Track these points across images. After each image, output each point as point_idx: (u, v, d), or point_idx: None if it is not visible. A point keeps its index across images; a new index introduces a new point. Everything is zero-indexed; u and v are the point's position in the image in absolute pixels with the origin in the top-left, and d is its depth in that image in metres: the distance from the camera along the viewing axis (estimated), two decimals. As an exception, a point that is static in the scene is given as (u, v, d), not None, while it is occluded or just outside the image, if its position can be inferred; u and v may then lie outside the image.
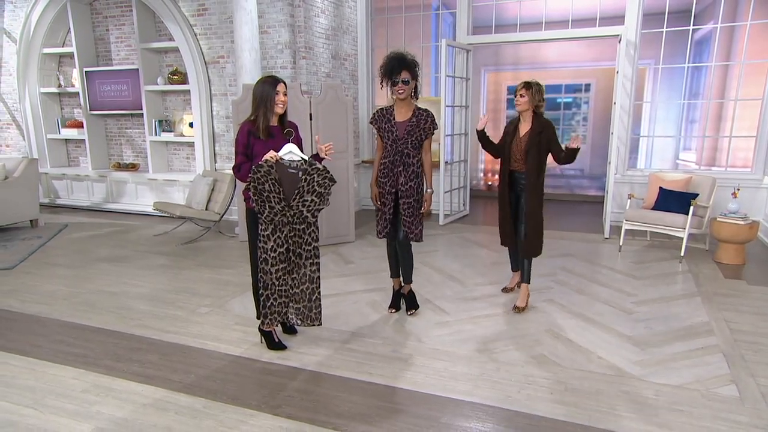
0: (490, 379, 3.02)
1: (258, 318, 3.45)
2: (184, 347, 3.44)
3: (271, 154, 3.06)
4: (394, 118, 3.75)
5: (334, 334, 3.62)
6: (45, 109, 8.46)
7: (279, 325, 3.41)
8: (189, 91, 7.40)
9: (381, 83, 3.79)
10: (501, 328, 3.70)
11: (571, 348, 3.40)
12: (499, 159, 4.19)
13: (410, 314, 3.96)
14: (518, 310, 4.01)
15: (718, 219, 5.17)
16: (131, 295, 4.43)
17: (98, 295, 4.43)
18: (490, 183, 10.31)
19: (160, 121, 7.70)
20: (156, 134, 7.69)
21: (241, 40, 6.10)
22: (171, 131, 7.69)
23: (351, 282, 4.71)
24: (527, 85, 3.91)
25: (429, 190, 3.83)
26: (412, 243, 3.88)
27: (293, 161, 3.11)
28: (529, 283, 4.11)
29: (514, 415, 2.66)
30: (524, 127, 3.99)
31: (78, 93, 8.17)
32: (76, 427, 2.56)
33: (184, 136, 7.62)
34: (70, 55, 8.15)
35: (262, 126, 3.18)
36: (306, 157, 3.14)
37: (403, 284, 4.04)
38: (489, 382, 2.97)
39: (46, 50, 8.20)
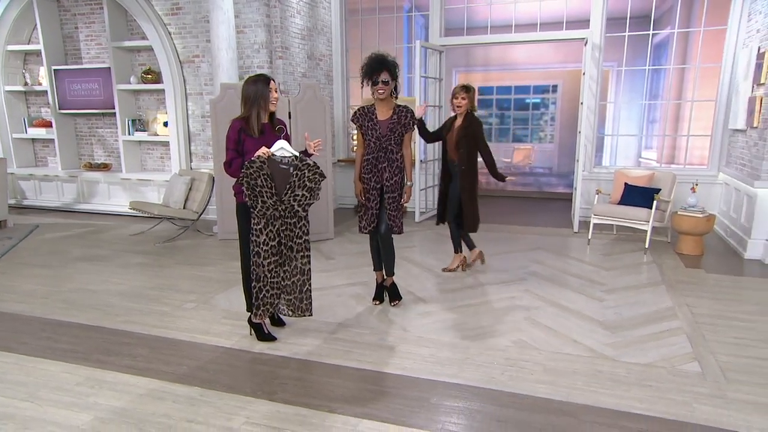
0: (474, 362, 3.18)
1: (248, 311, 3.52)
2: (174, 341, 3.49)
3: (263, 150, 3.15)
4: (376, 117, 3.88)
5: (321, 326, 3.72)
6: (10, 108, 8.25)
7: (267, 317, 3.50)
8: (163, 90, 7.36)
9: (362, 83, 3.92)
10: (481, 317, 3.88)
11: (548, 333, 3.59)
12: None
13: (394, 305, 4.09)
14: (466, 267, 4.97)
15: (678, 213, 5.49)
16: (113, 292, 4.43)
17: (79, 293, 4.41)
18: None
19: (134, 121, 7.63)
20: (129, 134, 7.61)
21: (218, 39, 6.14)
22: (144, 131, 7.63)
23: (334, 277, 4.81)
24: (467, 89, 4.51)
25: (408, 183, 3.97)
26: (393, 236, 4.02)
27: (284, 157, 3.21)
28: (476, 247, 5.06)
29: (499, 394, 2.83)
30: (458, 123, 4.58)
31: (46, 91, 8.01)
32: (75, 417, 2.59)
33: (158, 135, 7.57)
34: (37, 53, 7.99)
35: (256, 124, 3.27)
36: (297, 153, 3.24)
37: (385, 277, 4.17)
38: (473, 366, 3.14)
39: (11, 47, 8.01)
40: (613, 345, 3.40)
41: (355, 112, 3.96)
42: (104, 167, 7.96)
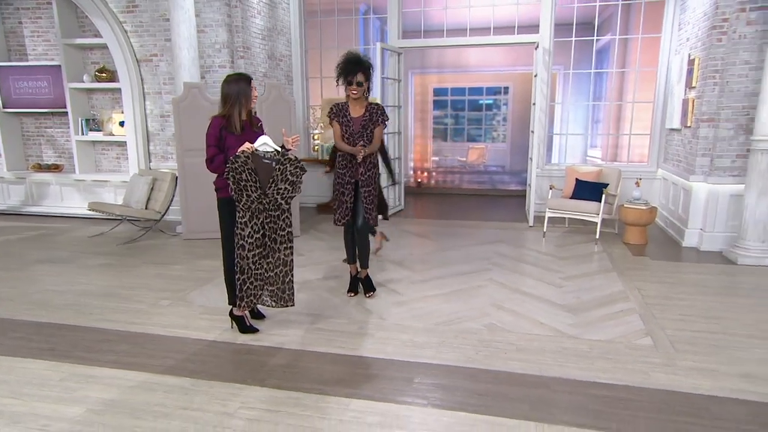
0: (451, 345, 3.38)
1: (230, 304, 3.59)
2: (155, 336, 3.51)
3: (247, 146, 3.24)
4: (349, 114, 4.03)
5: (300, 317, 3.83)
6: (-53, 107, 7.82)
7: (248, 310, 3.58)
8: (119, 89, 7.20)
9: (337, 82, 4.06)
10: (453, 305, 4.09)
11: (516, 317, 3.85)
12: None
13: (368, 296, 4.24)
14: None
15: (624, 205, 5.92)
16: (81, 292, 4.35)
17: (45, 294, 4.32)
18: (420, 180, 10.83)
19: (87, 120, 7.42)
20: (83, 134, 7.39)
21: (179, 38, 6.10)
22: (99, 130, 7.43)
23: (306, 272, 4.91)
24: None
25: (363, 150, 3.89)
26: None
27: (267, 152, 3.31)
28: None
29: (477, 371, 3.04)
30: None
31: (-13, 89, 7.65)
32: (66, 410, 2.60)
33: (113, 135, 7.39)
34: (-25, 49, 7.62)
35: (239, 121, 3.35)
36: (279, 149, 3.35)
37: (360, 269, 4.32)
38: (450, 348, 3.34)
39: (-52, 42, 7.61)
40: (575, 325, 3.69)
41: (331, 108, 4.09)
42: (55, 168, 7.69)
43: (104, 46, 7.17)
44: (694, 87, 5.89)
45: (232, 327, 3.59)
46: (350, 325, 3.70)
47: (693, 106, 5.85)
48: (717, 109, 5.51)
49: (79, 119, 7.39)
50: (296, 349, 3.33)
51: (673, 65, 6.78)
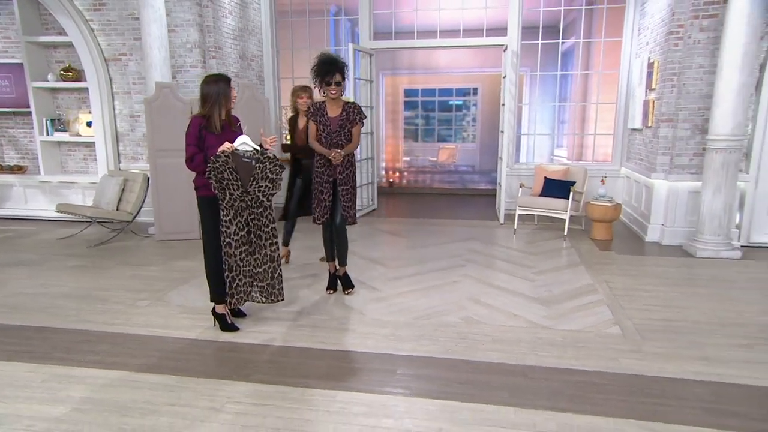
0: (431, 338, 3.48)
1: (212, 301, 3.60)
2: (135, 336, 3.49)
3: (227, 145, 3.28)
4: (327, 114, 4.09)
5: (281, 315, 3.87)
6: None
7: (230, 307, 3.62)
8: (86, 89, 7.06)
9: (314, 83, 4.11)
10: (430, 300, 4.19)
11: (491, 310, 3.98)
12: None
13: (347, 293, 4.31)
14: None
15: (591, 202, 6.16)
16: (55, 295, 4.28)
17: (17, 297, 4.23)
18: (391, 180, 10.94)
19: (53, 120, 7.24)
20: (48, 134, 7.21)
21: (149, 38, 6.03)
22: (65, 131, 7.26)
23: (283, 271, 4.91)
24: (307, 89, 4.88)
25: (340, 151, 3.97)
26: (346, 228, 4.25)
27: (247, 151, 3.35)
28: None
29: (457, 362, 3.15)
30: (301, 122, 4.90)
31: (-55, 88, 7.38)
32: (51, 410, 2.59)
33: (81, 135, 7.23)
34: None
35: (218, 121, 3.38)
36: (258, 147, 3.39)
37: (338, 267, 4.38)
38: (430, 340, 3.44)
39: None
40: (547, 317, 3.84)
41: (309, 108, 4.15)
42: (18, 170, 7.47)
43: (69, 45, 7.02)
44: (654, 89, 6.17)
45: (214, 325, 3.60)
46: (331, 321, 3.76)
47: (653, 107, 6.13)
48: (675, 110, 5.79)
49: (44, 119, 7.21)
50: (279, 345, 3.38)
51: (634, 68, 7.07)
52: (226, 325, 3.58)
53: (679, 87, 5.73)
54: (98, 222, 6.33)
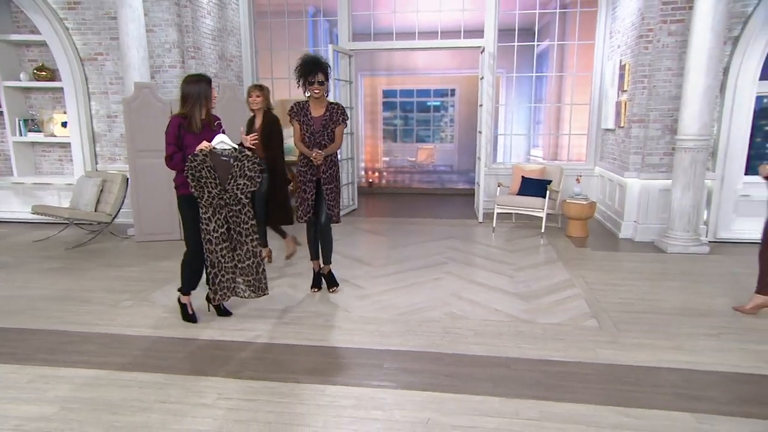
0: (416, 332, 3.56)
1: (179, 291, 3.72)
2: (121, 336, 3.49)
3: (204, 144, 3.38)
4: (310, 113, 4.14)
5: (266, 313, 3.90)
6: None
7: (213, 306, 3.66)
8: (61, 88, 6.95)
9: (298, 83, 4.16)
10: (413, 297, 4.28)
11: (473, 305, 4.08)
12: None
13: (332, 291, 4.37)
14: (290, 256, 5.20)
15: (567, 201, 6.33)
16: (34, 297, 4.23)
17: (-5, 300, 4.17)
18: (371, 180, 11.00)
19: (26, 120, 7.10)
20: (21, 134, 7.07)
21: (127, 37, 5.98)
22: (39, 131, 7.13)
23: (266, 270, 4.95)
24: (261, 87, 4.77)
25: (320, 151, 4.01)
26: (331, 226, 4.30)
27: (225, 150, 3.43)
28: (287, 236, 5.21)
29: (442, 355, 3.24)
30: (258, 122, 4.82)
31: None
32: (39, 410, 2.58)
33: (55, 136, 7.11)
34: None
35: (198, 120, 3.45)
36: (236, 146, 3.48)
37: (323, 265, 4.43)
38: (415, 335, 3.52)
39: None
40: (527, 311, 3.96)
41: (292, 107, 4.19)
42: (-10, 171, 7.31)
43: (43, 44, 6.90)
44: (626, 90, 6.38)
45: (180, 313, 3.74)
46: (317, 318, 3.81)
47: (625, 108, 6.34)
48: (646, 111, 6.00)
49: (16, 119, 7.07)
50: (266, 342, 3.41)
51: (606, 70, 7.29)
52: (187, 316, 3.71)
53: (650, 89, 5.94)
54: (75, 224, 6.24)
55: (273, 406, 2.65)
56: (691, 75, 5.32)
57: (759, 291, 3.84)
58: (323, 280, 4.45)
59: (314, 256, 4.44)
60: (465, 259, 5.38)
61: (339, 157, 7.76)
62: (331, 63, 7.13)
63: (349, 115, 7.88)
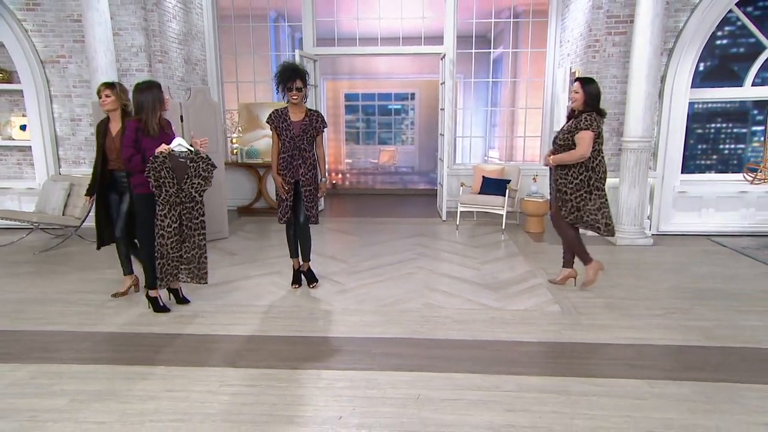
0: (397, 322, 3.83)
1: (145, 287, 3.99)
2: (115, 333, 3.59)
3: (164, 147, 3.65)
4: (289, 118, 4.34)
5: (252, 309, 4.08)
6: None
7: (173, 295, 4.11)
8: (20, 91, 6.82)
9: (277, 89, 4.35)
10: (390, 290, 4.55)
11: (447, 296, 4.40)
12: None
13: (312, 287, 4.58)
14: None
15: (525, 198, 6.77)
16: (15, 300, 4.24)
17: (-28, 305, 4.14)
18: (335, 182, 11.20)
19: (-18, 124, 6.92)
20: (-23, 138, 6.89)
21: (94, 41, 5.97)
22: (-3, 135, 6.97)
23: (245, 269, 5.12)
24: (111, 86, 4.02)
25: (323, 179, 4.51)
26: (310, 225, 4.52)
27: (182, 152, 3.72)
28: None
29: (424, 341, 3.52)
30: (114, 127, 4.06)
31: None
32: (49, 402, 2.69)
33: (13, 140, 6.97)
34: None
35: (155, 125, 3.73)
36: (192, 148, 3.77)
37: (302, 262, 4.63)
38: (396, 324, 3.79)
39: None
40: (497, 299, 4.31)
41: (270, 115, 4.37)
42: (-57, 176, 7.07)
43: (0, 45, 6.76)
44: (576, 96, 6.86)
45: (148, 308, 3.98)
46: (301, 312, 4.02)
47: (576, 112, 6.82)
48: (595, 115, 6.50)
49: (-27, 123, 6.88)
50: (257, 334, 3.60)
51: (557, 76, 7.80)
52: (158, 307, 3.96)
53: (598, 94, 6.44)
54: (40, 228, 6.16)
55: (275, 390, 2.85)
56: (634, 82, 5.85)
57: (564, 266, 4.63)
58: (303, 276, 4.65)
59: (293, 254, 4.64)
60: (434, 255, 5.70)
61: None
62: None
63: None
